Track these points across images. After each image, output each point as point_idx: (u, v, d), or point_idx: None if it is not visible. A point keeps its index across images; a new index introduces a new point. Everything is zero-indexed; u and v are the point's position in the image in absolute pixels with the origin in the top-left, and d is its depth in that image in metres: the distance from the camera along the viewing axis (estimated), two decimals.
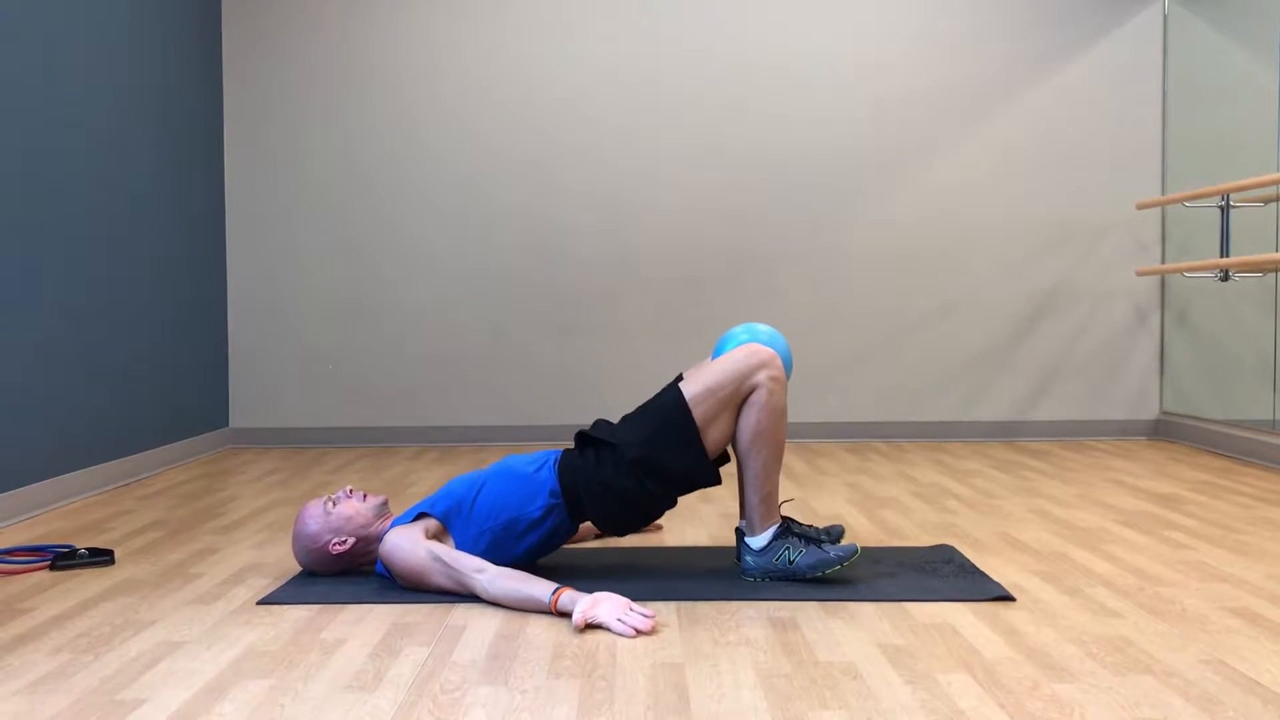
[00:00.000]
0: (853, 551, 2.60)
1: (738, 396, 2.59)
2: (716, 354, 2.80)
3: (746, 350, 2.61)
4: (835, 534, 2.95)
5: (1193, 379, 5.14)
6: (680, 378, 2.68)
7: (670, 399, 2.60)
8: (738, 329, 2.83)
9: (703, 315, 5.36)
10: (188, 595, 2.61)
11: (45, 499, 3.70)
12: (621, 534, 2.71)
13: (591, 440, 2.65)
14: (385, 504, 2.73)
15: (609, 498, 2.59)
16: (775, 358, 2.61)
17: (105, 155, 4.16)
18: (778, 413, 2.59)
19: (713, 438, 2.60)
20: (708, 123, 5.34)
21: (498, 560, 2.62)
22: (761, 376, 2.58)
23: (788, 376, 2.70)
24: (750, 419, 2.59)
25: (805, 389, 5.38)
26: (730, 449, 2.69)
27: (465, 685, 1.97)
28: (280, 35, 5.36)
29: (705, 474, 2.61)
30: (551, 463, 2.67)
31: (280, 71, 5.36)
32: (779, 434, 2.60)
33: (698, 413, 2.57)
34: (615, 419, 5.35)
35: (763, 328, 2.82)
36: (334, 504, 2.69)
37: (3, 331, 3.49)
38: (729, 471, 4.38)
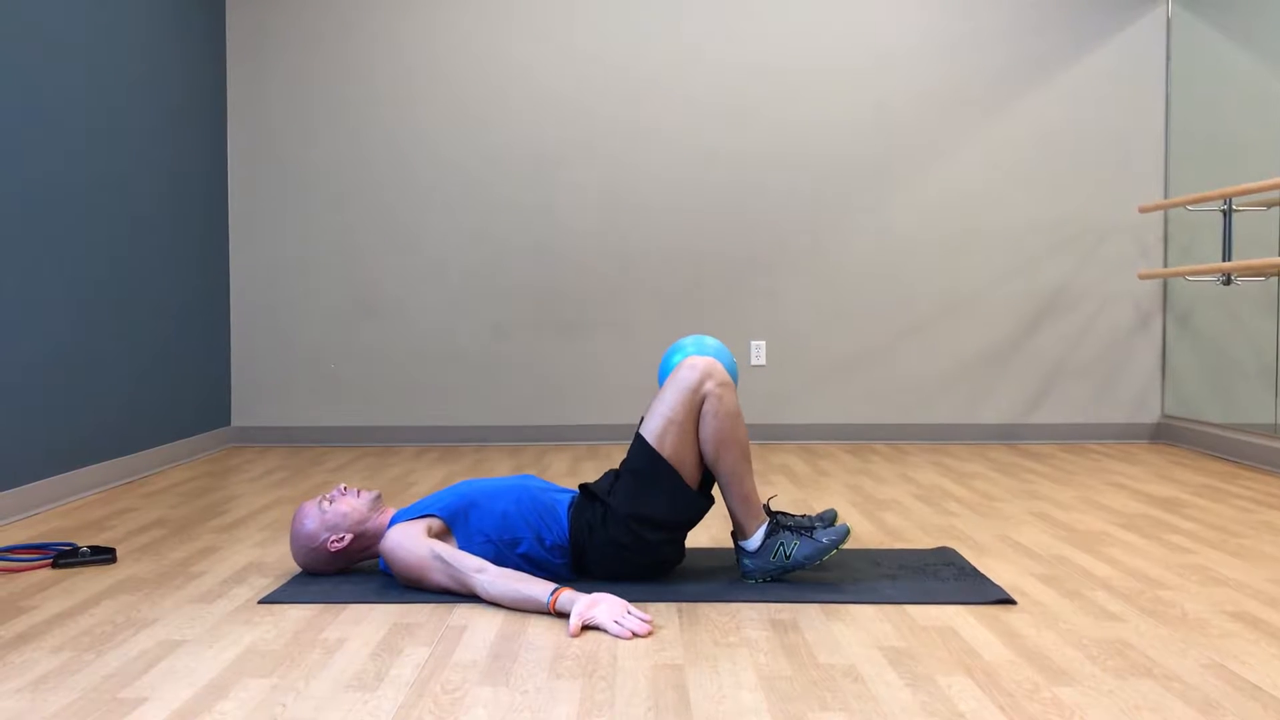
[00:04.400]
0: (844, 532, 2.62)
1: (693, 414, 2.60)
2: (662, 373, 2.82)
3: (685, 366, 2.63)
4: (828, 518, 2.96)
5: (1194, 382, 5.14)
6: (641, 421, 2.70)
7: (637, 449, 2.63)
8: (685, 340, 2.88)
9: (705, 316, 5.37)
10: (189, 594, 2.61)
11: (47, 497, 3.70)
12: (625, 580, 2.70)
13: (595, 495, 2.67)
14: (379, 499, 2.74)
15: (613, 553, 2.61)
16: (714, 363, 2.62)
17: (107, 155, 4.16)
18: (732, 416, 2.60)
19: (692, 464, 2.62)
20: (711, 125, 5.35)
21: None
22: (708, 385, 2.59)
23: (734, 380, 2.71)
24: (708, 429, 2.60)
25: (807, 390, 5.39)
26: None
27: (466, 685, 1.98)
28: (284, 36, 5.36)
29: (696, 506, 2.63)
30: (566, 503, 2.69)
31: (283, 71, 5.36)
32: (739, 435, 2.61)
33: (666, 449, 2.59)
34: (615, 418, 5.36)
35: (710, 341, 2.86)
36: (329, 502, 2.70)
37: (5, 330, 3.49)
38: None
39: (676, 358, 2.82)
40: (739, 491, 2.63)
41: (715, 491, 3.95)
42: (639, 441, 2.63)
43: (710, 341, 2.85)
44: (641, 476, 2.60)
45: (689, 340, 2.86)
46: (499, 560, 2.61)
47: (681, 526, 2.63)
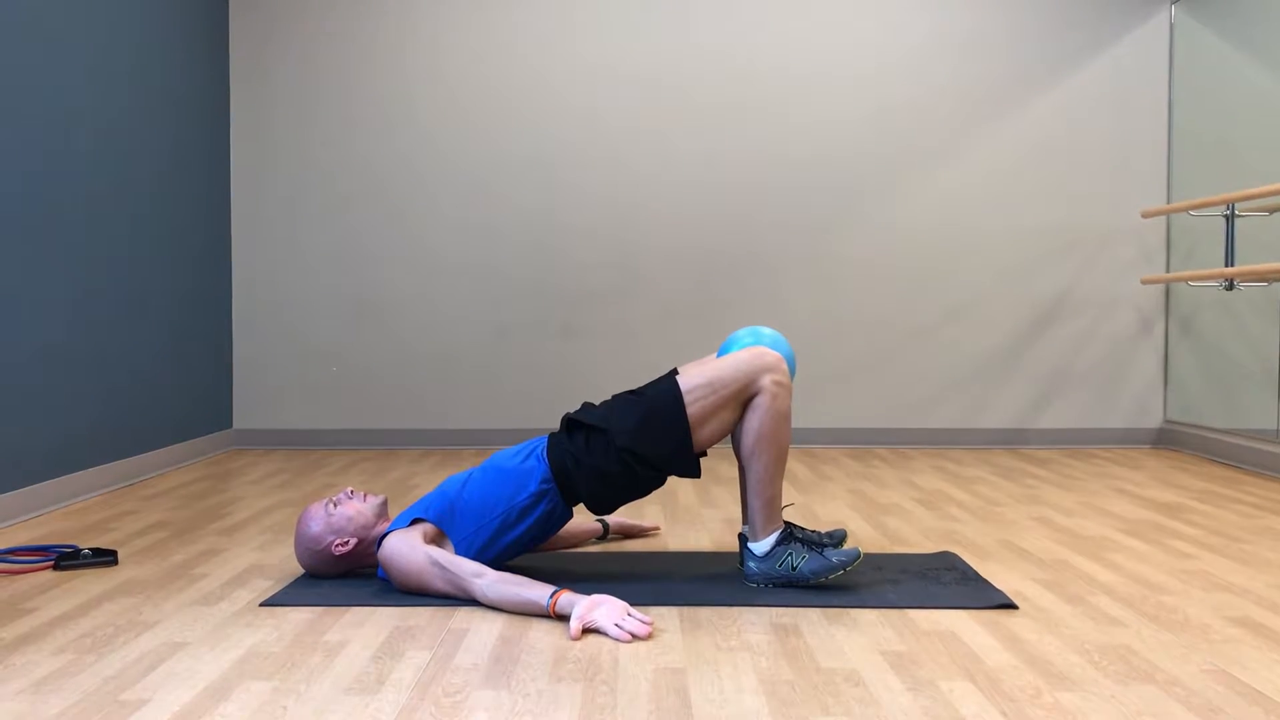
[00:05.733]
0: (855, 556, 2.60)
1: (740, 397, 2.58)
2: (722, 353, 2.79)
3: (753, 352, 2.61)
4: (838, 538, 2.95)
5: (1197, 388, 5.13)
6: (675, 371, 2.68)
7: (665, 389, 2.60)
8: (741, 332, 2.82)
9: (707, 319, 5.37)
10: (191, 596, 2.61)
11: (49, 499, 3.71)
12: (611, 511, 2.70)
13: (580, 424, 2.65)
14: (385, 504, 2.74)
15: (599, 480, 2.59)
16: (781, 362, 2.60)
17: (110, 156, 4.17)
18: (781, 417, 2.59)
19: (705, 433, 2.60)
20: (713, 127, 5.35)
21: (498, 550, 2.62)
22: (766, 380, 2.57)
23: (791, 373, 2.69)
24: (754, 422, 2.59)
25: (809, 395, 5.38)
26: (733, 454, 2.69)
27: (467, 689, 1.97)
28: (287, 37, 5.37)
29: (687, 466, 2.61)
30: (540, 451, 2.67)
31: (286, 72, 5.37)
32: (782, 438, 2.60)
33: (694, 407, 2.57)
34: None
35: (767, 331, 2.82)
36: (335, 505, 2.69)
37: (7, 332, 3.49)
38: (730, 475, 4.38)
39: (748, 340, 2.78)
40: (766, 493, 2.62)
41: (731, 486, 3.94)
42: (671, 385, 2.60)
43: (766, 332, 2.80)
44: (655, 416, 2.58)
45: (744, 331, 2.81)
46: (497, 541, 2.60)
47: (667, 473, 2.62)
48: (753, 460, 2.61)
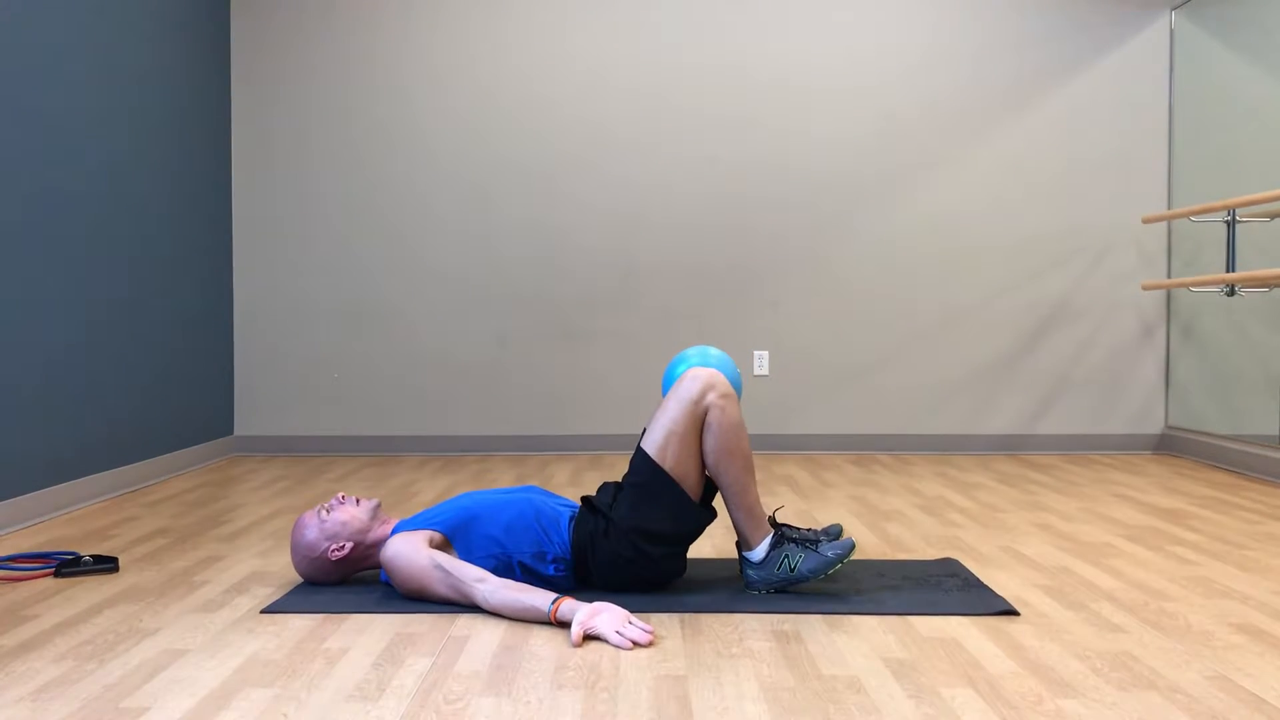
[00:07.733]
0: (849, 546, 2.60)
1: (696, 426, 2.60)
2: (666, 384, 2.84)
3: (688, 378, 2.63)
4: (834, 532, 2.96)
5: (1198, 393, 5.13)
6: (644, 432, 2.69)
7: (639, 462, 2.63)
8: (690, 351, 2.90)
9: (707, 326, 5.37)
10: (192, 603, 2.61)
11: (50, 506, 3.71)
12: (627, 591, 2.70)
13: (595, 507, 2.67)
14: (378, 507, 2.74)
15: (611, 565, 2.61)
16: (717, 374, 2.63)
17: (112, 164, 4.17)
18: (734, 427, 2.60)
19: (694, 477, 2.62)
20: (714, 135, 5.36)
21: None
22: (710, 398, 2.60)
23: (737, 393, 2.71)
24: (710, 442, 2.60)
25: (810, 401, 5.38)
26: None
27: (468, 696, 1.97)
28: (288, 46, 5.38)
29: (698, 519, 2.63)
30: (568, 515, 2.68)
31: (287, 82, 5.38)
32: (742, 447, 2.61)
33: (668, 462, 2.59)
34: (617, 428, 5.35)
35: (714, 351, 2.88)
36: (328, 511, 2.69)
37: (9, 338, 3.50)
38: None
39: (680, 369, 2.82)
40: (742, 503, 2.62)
41: (718, 504, 3.94)
42: (641, 455, 2.63)
43: (714, 352, 2.86)
44: (644, 490, 2.60)
45: (693, 351, 2.87)
46: (501, 573, 2.60)
47: (684, 540, 2.63)
48: (722, 475, 2.62)
